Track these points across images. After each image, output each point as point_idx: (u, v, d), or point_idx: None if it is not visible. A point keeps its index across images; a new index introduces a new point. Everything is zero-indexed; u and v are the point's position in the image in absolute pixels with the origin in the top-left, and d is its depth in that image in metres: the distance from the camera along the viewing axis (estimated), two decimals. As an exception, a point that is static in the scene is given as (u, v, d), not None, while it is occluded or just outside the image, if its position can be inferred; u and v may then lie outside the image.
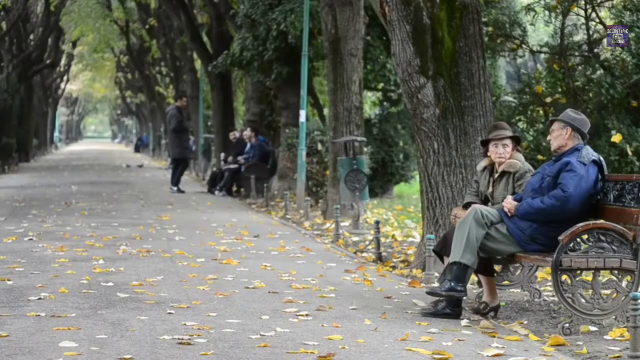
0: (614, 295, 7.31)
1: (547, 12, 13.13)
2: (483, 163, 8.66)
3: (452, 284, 7.76)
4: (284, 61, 22.12)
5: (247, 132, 23.66)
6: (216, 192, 22.99)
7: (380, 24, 17.05)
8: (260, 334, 6.92)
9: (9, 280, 9.26)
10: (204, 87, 36.37)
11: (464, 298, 7.94)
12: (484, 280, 8.26)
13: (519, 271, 8.78)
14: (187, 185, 25.65)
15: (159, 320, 7.40)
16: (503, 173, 8.41)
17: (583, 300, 7.28)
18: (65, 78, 67.25)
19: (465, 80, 10.23)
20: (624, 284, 7.34)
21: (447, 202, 10.18)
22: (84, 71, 65.64)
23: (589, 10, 13.15)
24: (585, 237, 7.33)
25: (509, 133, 8.52)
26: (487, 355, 6.39)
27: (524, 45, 13.81)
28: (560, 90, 13.09)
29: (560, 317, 7.90)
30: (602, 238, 7.31)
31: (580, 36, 13.79)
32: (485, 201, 8.49)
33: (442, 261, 8.35)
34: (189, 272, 10.00)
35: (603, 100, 12.44)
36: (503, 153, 8.41)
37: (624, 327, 7.12)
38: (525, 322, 7.86)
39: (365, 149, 16.96)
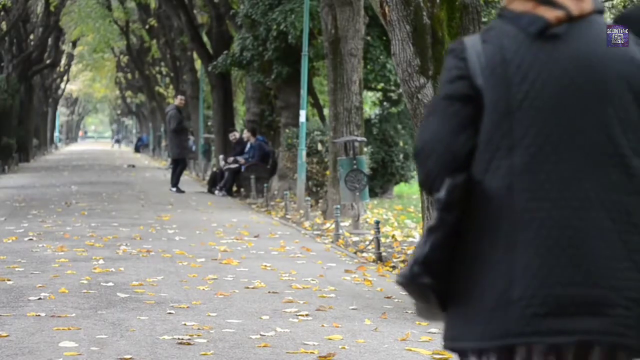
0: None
1: (547, 12, 13.14)
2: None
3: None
4: (284, 61, 22.12)
5: (246, 133, 23.69)
6: (216, 192, 23.00)
7: (380, 24, 17.05)
8: (260, 334, 6.93)
9: (9, 280, 9.26)
10: (204, 87, 36.37)
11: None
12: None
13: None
14: (187, 185, 25.66)
15: (159, 320, 7.40)
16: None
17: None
18: (65, 78, 67.28)
19: (465, 80, 10.23)
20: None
21: (447, 202, 10.17)
22: (84, 71, 65.69)
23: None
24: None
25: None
26: (487, 355, 6.39)
27: (524, 45, 13.81)
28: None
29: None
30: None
31: (580, 36, 13.79)
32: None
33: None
34: (189, 272, 10.00)
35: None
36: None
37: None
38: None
39: (365, 149, 16.97)
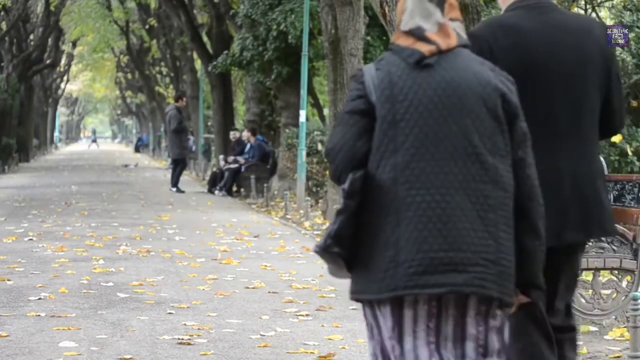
0: (614, 295, 7.31)
1: (547, 12, 13.13)
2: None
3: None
4: (284, 61, 22.12)
5: (245, 134, 23.69)
6: (216, 192, 22.99)
7: (380, 24, 17.05)
8: (260, 334, 6.93)
9: (9, 280, 9.26)
10: (204, 87, 36.37)
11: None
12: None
13: (519, 271, 8.76)
14: (187, 185, 25.66)
15: (159, 320, 7.40)
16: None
17: (583, 300, 7.28)
18: (65, 78, 67.30)
19: (465, 80, 10.24)
20: (624, 284, 7.34)
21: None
22: (84, 71, 65.69)
23: (589, 10, 13.17)
24: (585, 237, 7.32)
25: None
26: (487, 355, 6.38)
27: (524, 45, 13.80)
28: (560, 90, 13.08)
29: (560, 317, 7.90)
30: (602, 238, 7.31)
31: (580, 36, 13.77)
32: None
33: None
34: (189, 272, 10.00)
35: (603, 100, 12.44)
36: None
37: (624, 327, 7.12)
38: (525, 322, 7.86)
39: (365, 149, 16.96)
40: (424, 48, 3.44)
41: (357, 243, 3.44)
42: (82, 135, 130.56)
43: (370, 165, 3.41)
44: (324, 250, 3.45)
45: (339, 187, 3.50)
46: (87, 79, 71.30)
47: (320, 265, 10.80)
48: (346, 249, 3.44)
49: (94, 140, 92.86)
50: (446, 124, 3.39)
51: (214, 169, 26.59)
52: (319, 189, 19.48)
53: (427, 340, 3.38)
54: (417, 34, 3.48)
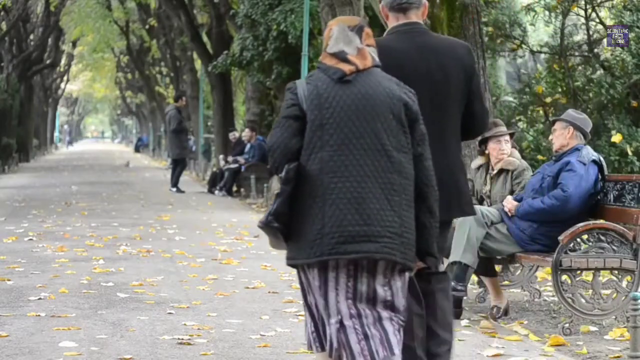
0: (614, 295, 7.31)
1: (547, 12, 13.16)
2: (478, 162, 8.63)
3: (452, 283, 7.75)
4: (284, 61, 22.10)
5: (246, 133, 23.67)
6: (216, 192, 22.98)
7: (380, 24, 17.04)
8: (260, 334, 6.93)
9: (9, 280, 9.26)
10: (204, 87, 36.35)
11: (464, 298, 7.94)
12: (487, 282, 8.22)
13: (519, 271, 8.77)
14: (187, 185, 25.66)
15: (159, 320, 7.40)
16: (501, 171, 8.38)
17: (583, 300, 7.28)
18: (65, 78, 67.27)
19: (465, 80, 10.23)
20: (624, 284, 7.34)
21: (447, 202, 10.16)
22: (84, 71, 65.67)
23: (589, 10, 13.17)
24: (585, 237, 7.32)
25: (507, 130, 8.55)
26: (487, 355, 6.40)
27: (524, 45, 13.84)
28: (560, 90, 13.11)
29: (560, 317, 7.90)
30: (602, 238, 7.31)
31: (580, 36, 13.81)
32: (480, 201, 8.46)
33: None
34: (189, 272, 10.00)
35: (603, 100, 12.45)
36: (505, 149, 8.38)
37: (624, 327, 7.12)
38: (525, 322, 7.86)
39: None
40: (346, 67, 4.37)
41: (292, 219, 4.31)
42: (89, 135, 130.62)
43: (302, 159, 4.31)
44: (265, 225, 4.32)
45: (277, 176, 4.28)
46: (87, 79, 71.26)
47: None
48: (283, 225, 4.31)
49: (70, 142, 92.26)
50: (361, 126, 4.31)
51: (214, 169, 26.58)
52: (319, 189, 19.44)
53: (346, 295, 4.31)
54: (341, 56, 4.40)
